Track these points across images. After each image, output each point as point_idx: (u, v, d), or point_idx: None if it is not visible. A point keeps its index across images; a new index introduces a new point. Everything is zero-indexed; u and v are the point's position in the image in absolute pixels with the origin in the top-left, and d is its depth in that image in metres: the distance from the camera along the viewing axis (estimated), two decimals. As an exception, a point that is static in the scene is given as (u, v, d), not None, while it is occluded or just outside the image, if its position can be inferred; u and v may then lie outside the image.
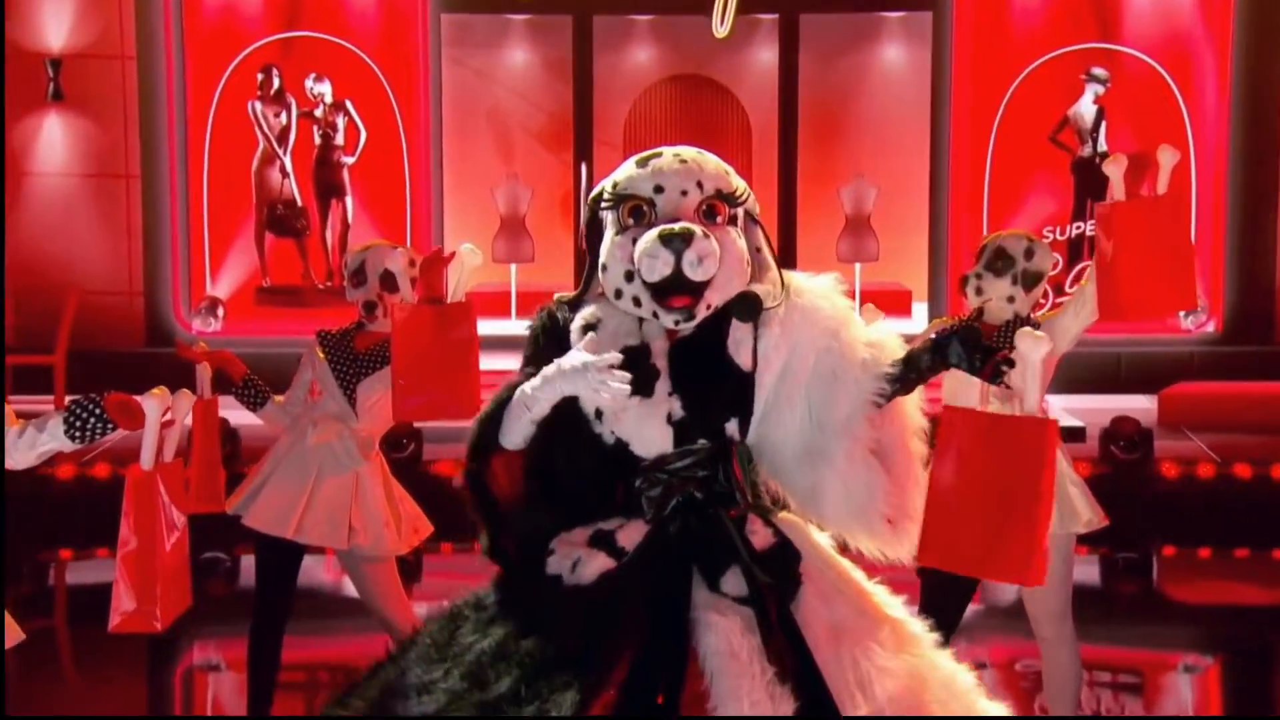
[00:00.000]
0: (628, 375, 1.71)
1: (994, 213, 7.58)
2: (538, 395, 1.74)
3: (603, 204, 1.83)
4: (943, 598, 2.89)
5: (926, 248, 7.82)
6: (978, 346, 1.72)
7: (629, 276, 1.76)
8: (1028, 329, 1.73)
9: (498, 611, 1.74)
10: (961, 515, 1.71)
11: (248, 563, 4.92)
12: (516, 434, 1.76)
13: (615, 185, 1.82)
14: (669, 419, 1.75)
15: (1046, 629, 2.92)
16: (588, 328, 1.80)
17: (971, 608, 4.54)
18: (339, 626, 4.31)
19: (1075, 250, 7.54)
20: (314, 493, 2.98)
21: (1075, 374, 7.40)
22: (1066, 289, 7.30)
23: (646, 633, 1.64)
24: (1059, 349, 2.89)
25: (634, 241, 1.76)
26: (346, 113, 7.73)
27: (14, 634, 2.15)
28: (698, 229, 1.72)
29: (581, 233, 1.88)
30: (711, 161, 1.83)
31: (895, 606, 1.80)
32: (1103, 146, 7.45)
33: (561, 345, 1.81)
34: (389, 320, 2.86)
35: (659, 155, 1.82)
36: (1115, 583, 5.17)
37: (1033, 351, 1.69)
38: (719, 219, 1.79)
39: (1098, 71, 7.50)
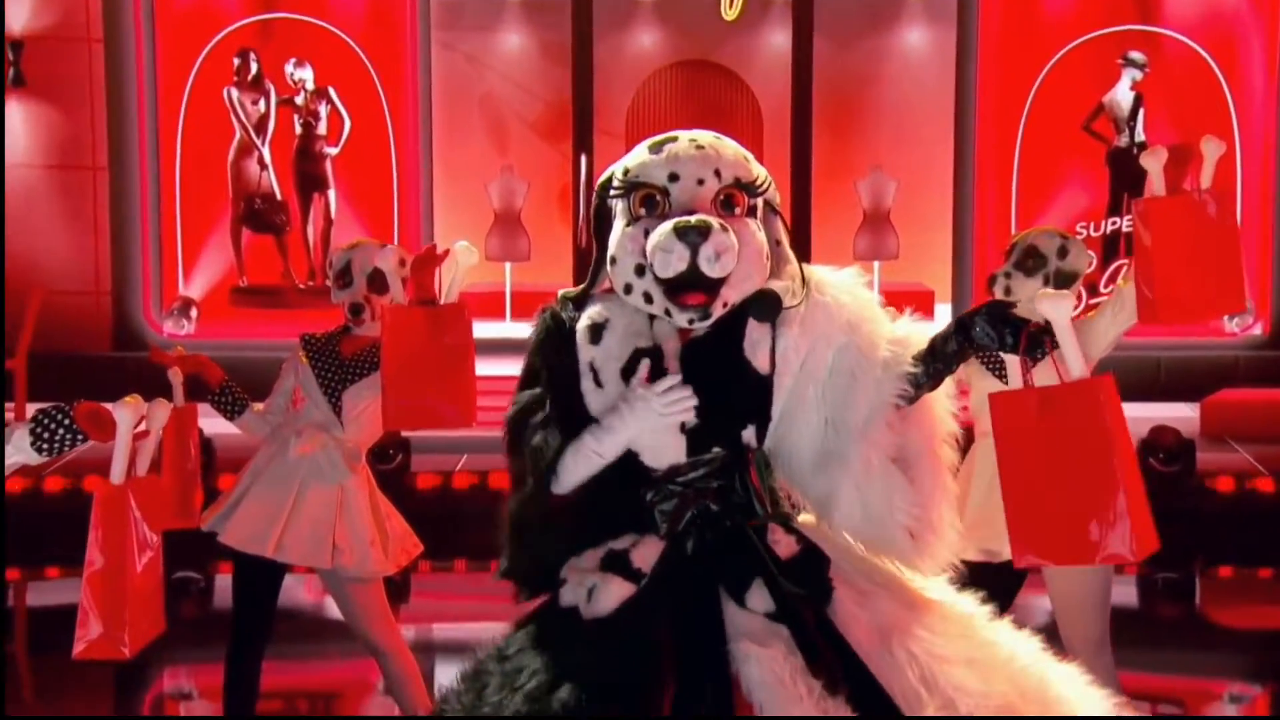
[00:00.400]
0: (689, 390, 1.71)
1: (1023, 207, 7.57)
2: (608, 442, 1.74)
3: (612, 191, 1.81)
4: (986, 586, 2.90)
5: (950, 245, 7.81)
6: (1006, 321, 1.70)
7: (640, 271, 1.75)
8: (1045, 289, 1.71)
9: (523, 661, 1.71)
10: (1044, 504, 1.69)
11: (223, 583, 4.91)
12: (576, 479, 1.77)
13: (626, 171, 1.81)
14: (682, 426, 1.75)
15: (1082, 656, 2.91)
16: (595, 328, 1.79)
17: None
18: (321, 651, 4.30)
19: (1111, 248, 7.53)
20: (296, 508, 2.97)
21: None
22: (1101, 289, 7.28)
23: (684, 666, 1.63)
24: (1095, 354, 2.89)
25: (646, 233, 1.74)
26: (329, 100, 7.73)
27: None
28: (715, 222, 1.71)
29: (582, 225, 1.87)
30: (730, 147, 1.82)
31: (936, 587, 1.79)
32: (1140, 136, 7.44)
33: (569, 349, 1.80)
34: (377, 323, 2.86)
35: (674, 140, 1.80)
36: (1155, 605, 5.16)
37: (1057, 311, 1.68)
38: (737, 210, 1.78)
39: (1135, 55, 7.50)
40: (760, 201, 1.82)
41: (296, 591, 4.67)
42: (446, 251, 2.53)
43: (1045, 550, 1.72)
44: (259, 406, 3.15)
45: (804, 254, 6.79)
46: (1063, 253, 2.93)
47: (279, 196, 7.75)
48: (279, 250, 7.79)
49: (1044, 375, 1.76)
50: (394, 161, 7.76)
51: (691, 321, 1.75)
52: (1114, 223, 7.54)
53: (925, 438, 1.78)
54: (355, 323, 3.06)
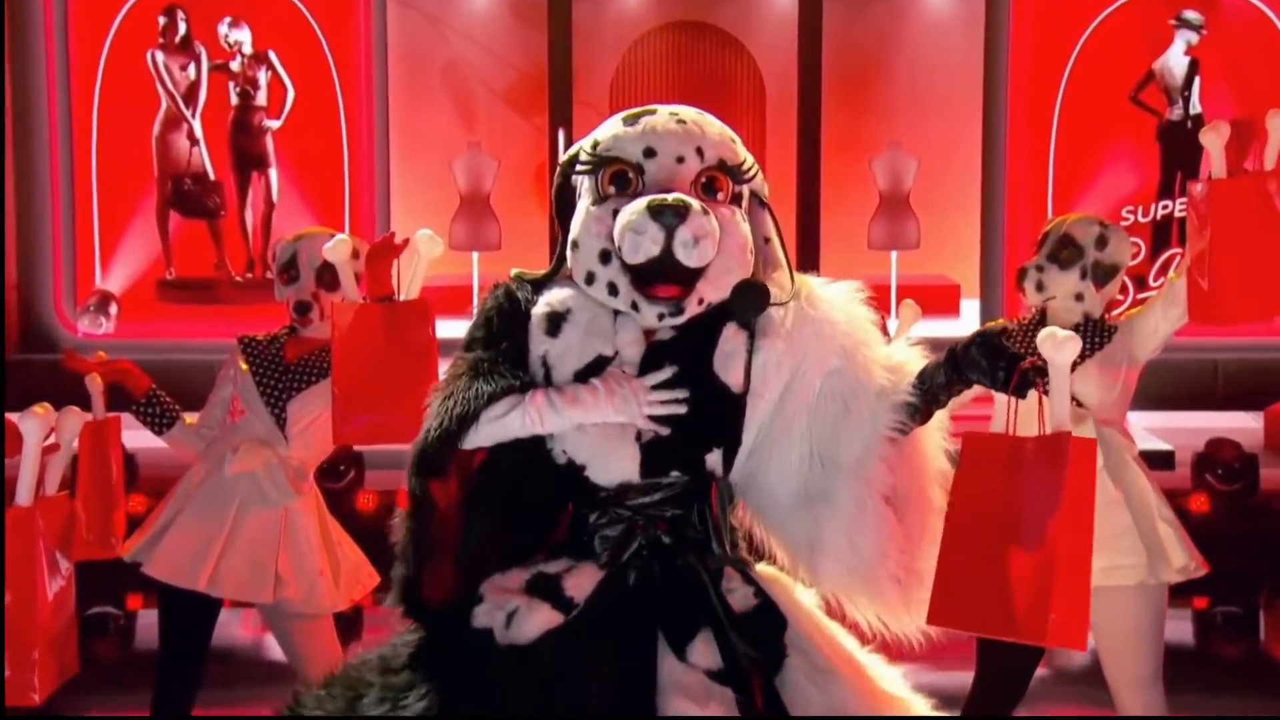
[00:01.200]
0: (684, 394, 1.69)
1: (1060, 190, 7.60)
2: (563, 415, 1.70)
3: (578, 167, 1.81)
4: (1004, 662, 2.89)
5: (978, 233, 7.83)
6: (999, 354, 1.69)
7: (605, 257, 1.74)
8: (1050, 328, 1.72)
9: (413, 677, 1.69)
10: (977, 561, 1.70)
11: (146, 620, 4.88)
12: (488, 439, 1.73)
13: (596, 145, 1.81)
14: (638, 437, 1.73)
15: (1130, 699, 2.92)
16: (554, 318, 1.78)
17: (1039, 673, 4.57)
18: (261, 696, 4.27)
19: (1161, 235, 7.56)
20: (232, 535, 2.96)
21: (1162, 387, 7.34)
22: (1151, 283, 7.32)
23: (606, 716, 1.62)
24: (1142, 354, 2.90)
25: (615, 214, 1.74)
26: (270, 66, 7.71)
27: None
28: (695, 203, 1.70)
29: (550, 202, 1.87)
30: (715, 125, 1.82)
31: (895, 682, 1.79)
32: (1196, 108, 7.48)
33: (520, 330, 1.78)
34: (327, 324, 2.85)
35: (652, 113, 1.81)
36: (1214, 641, 5.17)
37: (1058, 354, 1.68)
38: (720, 195, 1.78)
39: (1190, 15, 7.53)
40: (746, 190, 1.82)
41: (232, 628, 4.64)
42: (406, 241, 2.54)
43: (961, 615, 1.72)
44: (191, 419, 3.13)
45: (813, 243, 6.71)
46: (1102, 243, 2.94)
47: (212, 176, 7.73)
48: (212, 238, 7.76)
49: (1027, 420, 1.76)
50: (344, 137, 7.74)
51: (661, 318, 1.74)
52: (1165, 207, 7.58)
53: (915, 478, 1.78)
54: (302, 323, 3.05)
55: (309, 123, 7.73)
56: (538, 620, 1.69)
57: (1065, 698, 4.23)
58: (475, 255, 8.44)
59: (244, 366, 3.07)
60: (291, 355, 3.06)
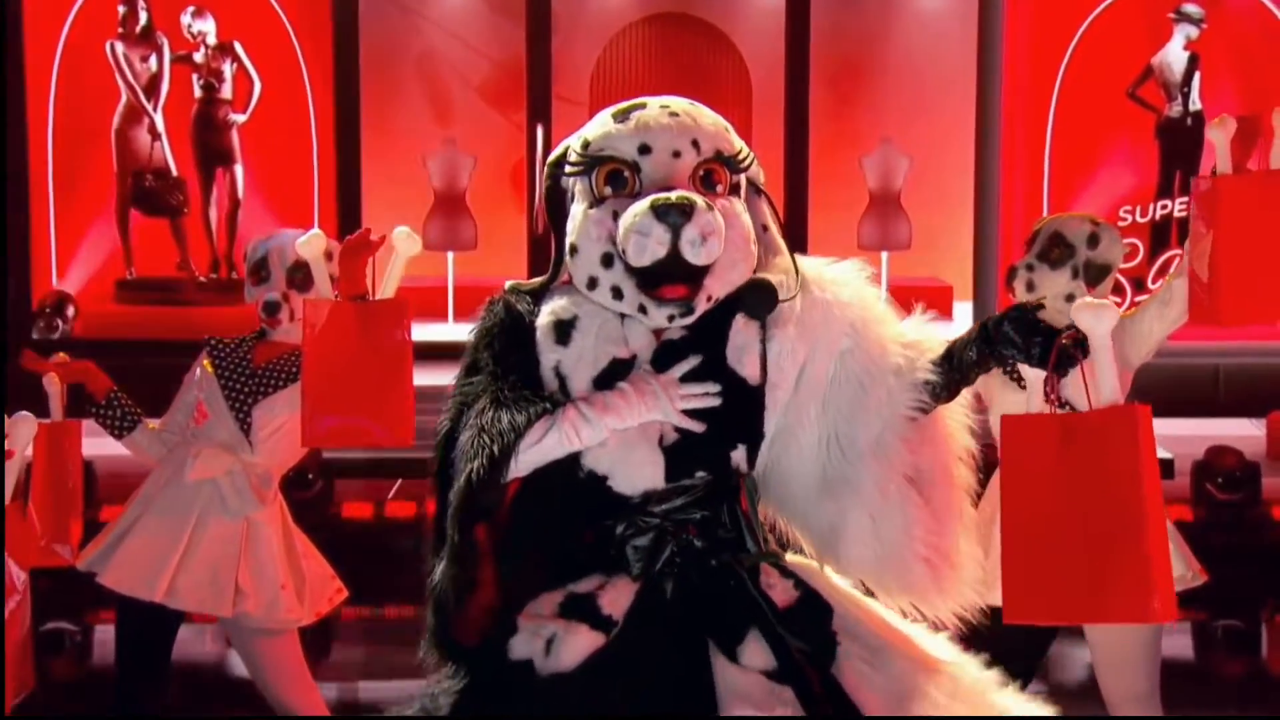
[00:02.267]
0: (714, 386, 1.69)
1: (1056, 188, 7.63)
2: (597, 426, 1.70)
3: (569, 168, 1.81)
4: (1013, 647, 2.91)
5: (971, 233, 7.86)
6: (1035, 329, 1.70)
7: (607, 260, 1.74)
8: (1086, 299, 1.72)
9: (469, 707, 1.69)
10: (1052, 551, 1.69)
11: (105, 635, 4.85)
12: (527, 468, 1.73)
13: (587, 144, 1.81)
14: (660, 442, 1.74)
15: (1127, 714, 2.93)
16: (561, 326, 1.78)
17: (1034, 688, 4.58)
18: (227, 716, 4.25)
19: (1160, 236, 7.60)
20: (192, 545, 2.95)
21: (1161, 393, 7.36)
22: (1149, 285, 7.35)
23: None
24: (1135, 357, 2.91)
25: (615, 216, 1.74)
26: (235, 57, 7.68)
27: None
28: (699, 199, 1.71)
29: (538, 209, 1.87)
30: (708, 115, 1.83)
31: (943, 647, 1.80)
32: (1195, 104, 7.52)
33: (525, 345, 1.78)
34: (298, 327, 2.84)
35: (642, 106, 1.81)
36: (1213, 656, 5.19)
37: (1098, 324, 1.68)
38: (719, 188, 1.78)
39: (1190, 9, 7.58)
40: (743, 179, 1.83)
41: (195, 644, 4.62)
42: (382, 239, 2.53)
43: (1045, 607, 1.73)
44: (154, 424, 3.12)
45: (800, 243, 6.72)
46: (1093, 241, 2.96)
47: (174, 172, 7.69)
48: (174, 236, 7.73)
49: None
50: (313, 132, 7.72)
51: (671, 319, 1.74)
52: (1164, 206, 7.62)
53: (939, 456, 1.79)
54: (270, 323, 3.04)
55: (276, 117, 7.70)
56: (579, 644, 1.68)
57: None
58: (450, 255, 8.42)
59: (209, 368, 3.06)
60: (260, 359, 3.05)
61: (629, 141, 1.77)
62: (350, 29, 7.76)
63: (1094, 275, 2.95)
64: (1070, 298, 2.94)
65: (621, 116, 1.80)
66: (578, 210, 1.79)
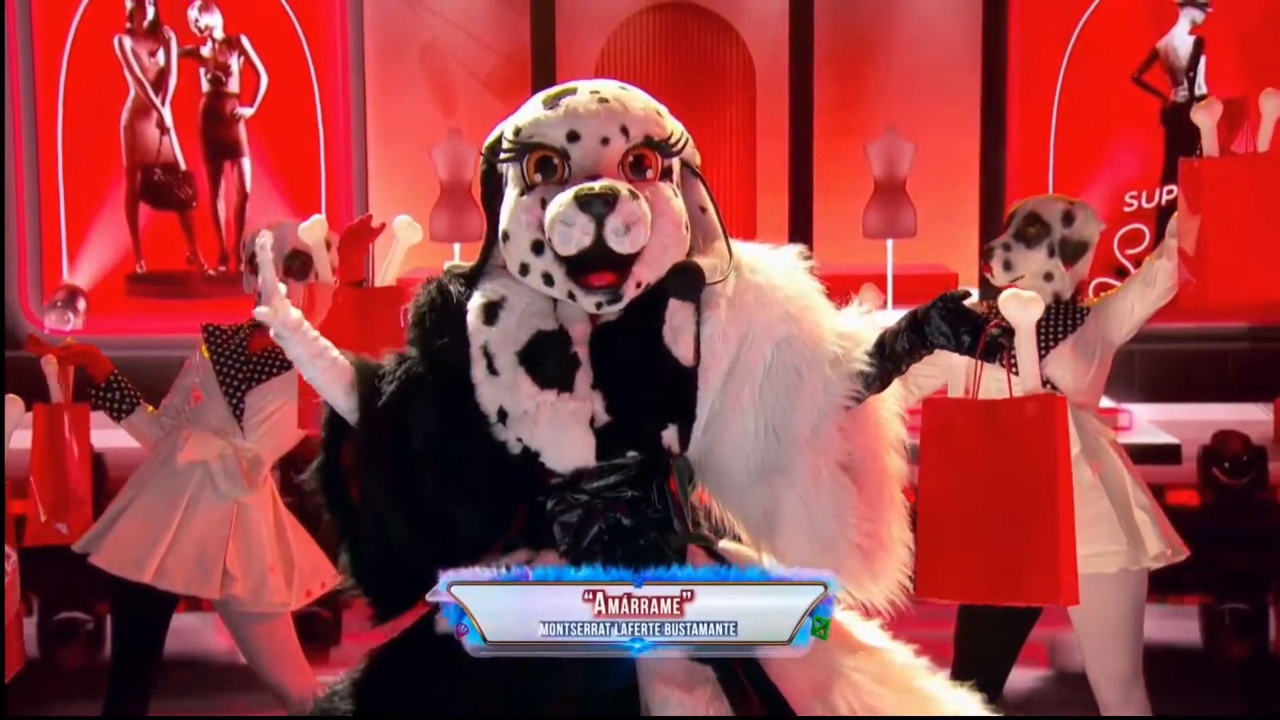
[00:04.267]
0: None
1: (1062, 174, 7.61)
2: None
3: (502, 154, 1.83)
4: (984, 644, 2.91)
5: (976, 220, 7.84)
6: (963, 318, 1.71)
7: (537, 248, 1.76)
8: (1013, 290, 1.74)
9: (378, 701, 1.71)
10: (965, 530, 1.73)
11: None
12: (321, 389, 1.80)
13: (518, 131, 1.82)
14: (592, 423, 1.76)
15: (1113, 697, 2.95)
16: (490, 307, 1.81)
17: (1039, 674, 4.57)
18: (232, 703, 4.27)
19: (1166, 221, 7.52)
20: (182, 527, 2.97)
21: (1170, 378, 7.34)
22: (1155, 270, 7.33)
23: (587, 713, 1.63)
24: (1116, 337, 2.92)
25: (544, 204, 1.76)
26: (242, 51, 7.69)
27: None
28: (623, 188, 1.72)
29: (479, 190, 1.88)
30: (639, 99, 1.84)
31: (873, 633, 1.82)
32: (1201, 89, 7.49)
33: (456, 327, 1.81)
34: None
35: (572, 92, 1.82)
36: (1221, 641, 5.16)
37: (1023, 315, 1.74)
38: (650, 173, 1.80)
39: (1195, -7, 7.55)
40: (676, 162, 1.83)
41: (206, 634, 4.63)
42: (382, 226, 2.54)
43: (956, 585, 1.76)
44: (153, 408, 3.15)
45: (805, 231, 6.70)
46: (1068, 219, 2.97)
47: (183, 166, 7.71)
48: (183, 230, 7.75)
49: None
50: (320, 124, 7.73)
51: (600, 305, 1.76)
52: (1170, 192, 7.58)
53: (870, 444, 1.80)
54: None
55: (283, 110, 7.72)
56: None
57: (1068, 702, 4.23)
58: (457, 247, 8.40)
59: (205, 353, 3.07)
60: (256, 346, 3.06)
61: (558, 128, 1.78)
62: (356, 22, 7.77)
63: (1070, 253, 2.96)
64: (1048, 276, 2.95)
65: (552, 103, 1.81)
66: (510, 197, 1.81)
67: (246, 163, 7.75)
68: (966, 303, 1.75)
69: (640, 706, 1.64)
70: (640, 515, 1.76)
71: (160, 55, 7.67)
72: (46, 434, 2.97)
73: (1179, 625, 5.04)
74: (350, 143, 7.79)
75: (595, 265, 1.72)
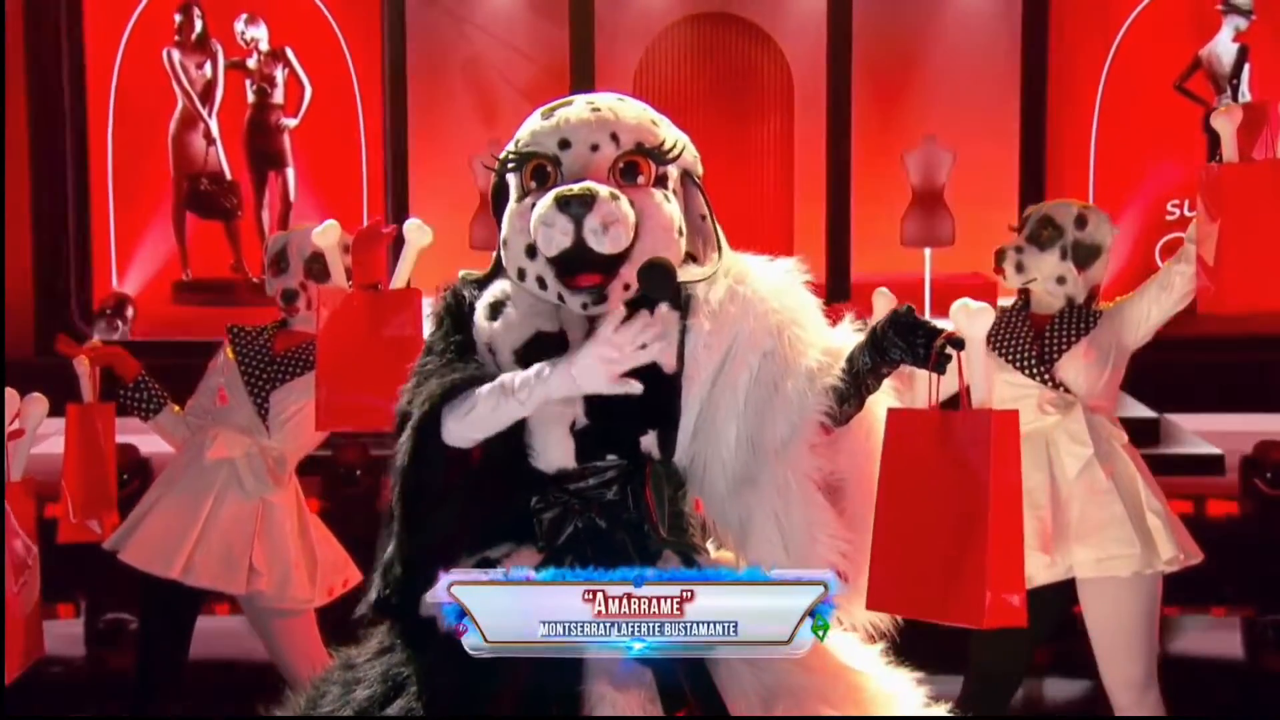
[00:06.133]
0: (656, 323, 1.67)
1: (1102, 183, 7.52)
2: (550, 384, 1.71)
3: (509, 166, 1.87)
4: (994, 655, 2.89)
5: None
6: (915, 329, 1.70)
7: (531, 252, 1.80)
8: (964, 300, 1.72)
9: (365, 671, 1.77)
10: (914, 545, 1.72)
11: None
12: (480, 430, 1.76)
13: (518, 142, 1.87)
14: (572, 426, 1.78)
15: (1128, 702, 2.96)
16: (495, 305, 1.85)
17: (1077, 683, 4.48)
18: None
19: (1208, 230, 7.45)
20: (209, 524, 3.02)
21: (1210, 388, 7.19)
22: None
23: (530, 702, 1.66)
24: (1130, 340, 2.92)
25: (534, 208, 1.79)
26: (286, 63, 7.75)
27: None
28: (603, 189, 1.75)
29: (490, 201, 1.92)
30: (633, 109, 1.87)
31: (861, 657, 1.81)
32: (1245, 96, 7.37)
33: (467, 327, 1.85)
34: (315, 315, 2.87)
35: (568, 104, 1.87)
36: (1263, 655, 5.06)
37: (971, 325, 1.69)
38: (641, 179, 1.82)
39: (1239, 0, 7.43)
40: (672, 170, 1.86)
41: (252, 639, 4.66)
42: (394, 230, 2.56)
43: (902, 599, 1.75)
44: (179, 408, 3.18)
45: (843, 239, 6.65)
46: (1081, 222, 2.99)
47: (229, 176, 7.78)
48: (229, 238, 7.81)
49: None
50: (362, 135, 7.78)
51: (586, 306, 1.78)
52: (1211, 200, 7.47)
53: (857, 466, 1.79)
54: (289, 311, 3.11)
55: (326, 121, 7.77)
56: None
57: (1070, 698, 4.17)
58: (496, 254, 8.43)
59: (230, 355, 3.11)
60: (280, 347, 3.12)
61: (551, 137, 1.82)
62: (399, 35, 7.81)
63: (1083, 257, 2.96)
64: (1061, 279, 2.96)
65: (548, 114, 1.86)
66: (509, 205, 1.86)
67: (290, 173, 7.80)
68: (919, 316, 1.73)
69: (582, 699, 1.66)
70: (615, 518, 1.78)
71: (207, 67, 7.74)
72: (79, 433, 3.01)
73: (1221, 638, 4.95)
74: (392, 153, 7.82)
75: (580, 266, 1.75)
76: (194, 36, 7.70)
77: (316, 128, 7.79)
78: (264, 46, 7.75)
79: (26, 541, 2.00)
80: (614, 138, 1.81)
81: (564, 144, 1.81)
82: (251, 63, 7.75)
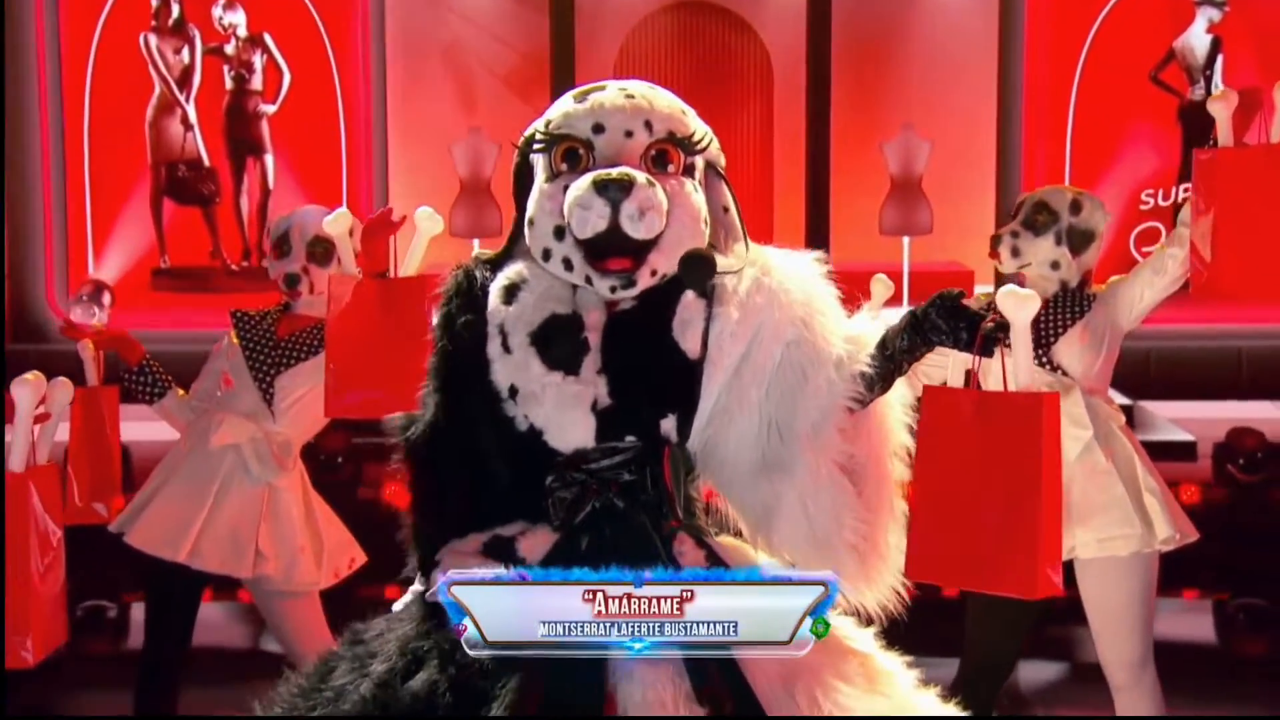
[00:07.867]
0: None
1: (1078, 172, 7.58)
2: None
3: (535, 146, 1.88)
4: (989, 636, 2.92)
5: (992, 217, 7.81)
6: (959, 314, 1.74)
7: (559, 233, 1.80)
8: (1010, 286, 1.76)
9: (378, 645, 1.77)
10: (952, 516, 1.78)
11: (141, 613, 4.87)
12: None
13: (549, 124, 1.88)
14: (594, 406, 1.79)
15: (1124, 680, 2.97)
16: (510, 288, 1.84)
17: (1058, 667, 4.56)
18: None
19: (1182, 219, 7.54)
20: (215, 508, 3.01)
21: (1184, 374, 7.30)
22: (1171, 268, 7.30)
23: (555, 673, 1.67)
24: (1124, 322, 2.94)
25: (566, 190, 1.80)
26: (265, 49, 7.71)
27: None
28: (640, 175, 1.76)
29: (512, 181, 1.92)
30: (664, 98, 1.88)
31: (861, 639, 1.84)
32: (1218, 87, 7.43)
33: (478, 307, 1.86)
34: (319, 300, 2.88)
35: (601, 89, 1.88)
36: (1235, 638, 5.14)
37: (1018, 312, 1.74)
38: (671, 168, 1.84)
39: (1212, -8, 7.51)
40: (700, 161, 1.88)
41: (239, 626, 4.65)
42: (404, 218, 2.56)
43: (942, 570, 1.81)
44: (184, 392, 3.19)
45: (822, 228, 6.68)
46: (1075, 208, 3.02)
47: (207, 162, 7.74)
48: (207, 225, 7.78)
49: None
50: (342, 121, 7.75)
51: (614, 290, 1.80)
52: (1187, 190, 7.54)
53: (874, 449, 1.82)
54: (291, 295, 3.10)
55: (305, 107, 7.73)
56: None
57: (1090, 695, 4.21)
58: (476, 242, 8.41)
59: (234, 340, 3.11)
60: (283, 331, 3.10)
61: (584, 121, 1.83)
62: (378, 20, 7.78)
63: (1077, 242, 2.99)
64: (1055, 264, 2.98)
65: (581, 98, 1.87)
66: (537, 185, 1.86)
67: (269, 159, 7.77)
68: (964, 301, 1.77)
69: (607, 672, 1.67)
70: (633, 498, 1.79)
71: (185, 53, 7.70)
72: (84, 417, 3.01)
73: (1192, 621, 5.02)
74: (371, 140, 7.81)
75: (611, 250, 1.76)
76: (171, 21, 7.65)
77: (295, 114, 7.76)
78: (242, 32, 7.71)
79: (51, 525, 2.01)
80: (647, 125, 1.82)
81: (598, 128, 1.82)
82: (229, 48, 7.71)
